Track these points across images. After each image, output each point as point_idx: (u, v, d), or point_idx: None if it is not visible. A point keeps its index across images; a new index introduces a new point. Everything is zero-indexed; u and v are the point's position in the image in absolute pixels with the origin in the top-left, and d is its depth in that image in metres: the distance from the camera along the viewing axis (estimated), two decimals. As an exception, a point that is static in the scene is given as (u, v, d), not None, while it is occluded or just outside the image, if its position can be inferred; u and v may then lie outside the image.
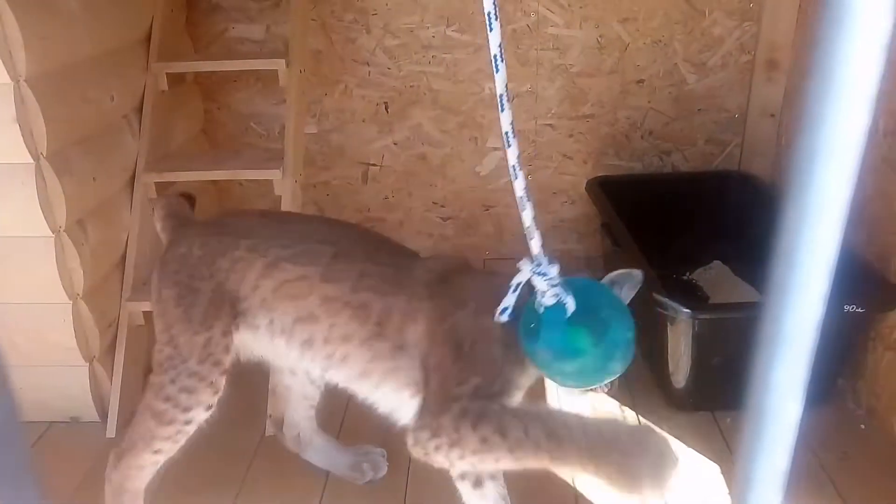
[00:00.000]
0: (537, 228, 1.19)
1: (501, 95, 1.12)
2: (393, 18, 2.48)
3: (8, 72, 1.56)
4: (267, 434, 1.88)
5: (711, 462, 1.73)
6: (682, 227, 2.47)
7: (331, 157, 2.69)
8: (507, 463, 1.16)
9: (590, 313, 1.21)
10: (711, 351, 1.82)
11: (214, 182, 2.60)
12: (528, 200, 1.16)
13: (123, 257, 2.01)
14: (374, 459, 1.75)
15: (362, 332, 1.31)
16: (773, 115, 2.52)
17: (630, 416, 1.91)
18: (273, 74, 2.13)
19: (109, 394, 1.93)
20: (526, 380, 1.31)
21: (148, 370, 2.10)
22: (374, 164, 2.69)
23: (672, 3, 2.43)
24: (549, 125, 2.61)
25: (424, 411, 1.24)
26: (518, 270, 1.23)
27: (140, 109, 2.10)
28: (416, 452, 1.22)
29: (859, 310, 1.73)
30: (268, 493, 1.70)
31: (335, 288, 1.32)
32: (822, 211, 0.27)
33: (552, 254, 1.25)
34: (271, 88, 2.52)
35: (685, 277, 2.48)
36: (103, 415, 1.93)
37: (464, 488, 1.38)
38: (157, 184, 2.07)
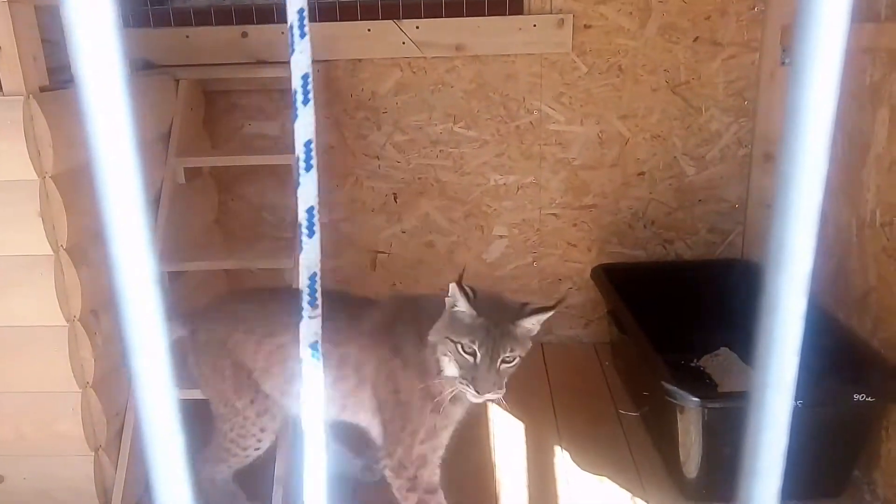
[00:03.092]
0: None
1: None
2: (402, 116, 2.59)
3: (35, 169, 1.64)
4: (271, 528, 1.84)
5: (727, 558, 1.69)
6: (688, 315, 2.49)
7: (341, 246, 2.75)
8: None
9: None
10: (722, 440, 1.80)
11: (227, 270, 2.65)
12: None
13: (134, 346, 2.02)
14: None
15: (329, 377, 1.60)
16: (770, 206, 2.58)
17: (642, 508, 1.87)
18: (286, 168, 2.22)
19: (113, 484, 1.90)
20: (449, 422, 1.60)
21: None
22: (382, 252, 2.75)
23: (669, 101, 2.54)
24: (553, 214, 2.67)
25: (385, 452, 1.65)
26: None
27: (157, 201, 2.18)
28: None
29: (869, 399, 1.72)
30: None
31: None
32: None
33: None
34: (284, 181, 2.61)
35: (693, 364, 2.47)
36: (106, 506, 1.90)
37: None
38: (169, 273, 2.11)
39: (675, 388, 1.76)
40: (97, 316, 1.85)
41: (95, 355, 1.81)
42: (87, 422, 1.83)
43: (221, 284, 2.70)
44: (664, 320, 2.26)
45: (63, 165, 1.71)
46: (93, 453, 1.87)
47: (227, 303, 1.97)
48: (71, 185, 1.73)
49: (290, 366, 1.64)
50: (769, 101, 2.49)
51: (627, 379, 2.45)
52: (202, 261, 2.16)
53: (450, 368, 1.48)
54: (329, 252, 2.75)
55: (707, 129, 2.57)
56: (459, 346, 1.45)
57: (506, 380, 1.48)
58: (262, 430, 1.79)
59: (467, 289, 1.49)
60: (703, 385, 2.32)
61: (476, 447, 2.14)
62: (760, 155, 2.55)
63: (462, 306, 1.47)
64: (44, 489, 1.88)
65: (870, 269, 1.95)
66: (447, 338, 1.47)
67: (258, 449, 1.82)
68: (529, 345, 1.51)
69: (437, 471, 1.64)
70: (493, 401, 1.51)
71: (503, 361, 1.45)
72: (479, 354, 1.44)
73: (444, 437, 1.61)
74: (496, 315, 1.47)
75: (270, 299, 1.82)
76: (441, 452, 1.63)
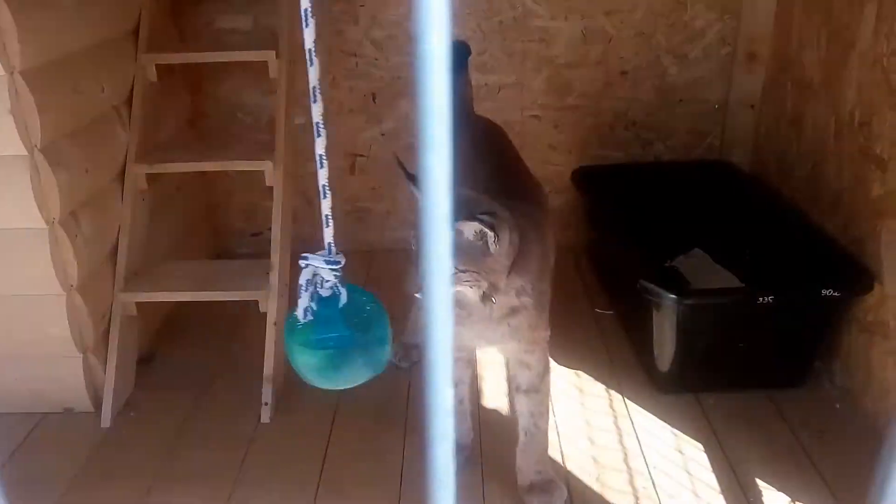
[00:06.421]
0: (332, 218, 1.22)
1: (315, 88, 1.14)
2: (380, 10, 2.49)
3: (2, 64, 1.56)
4: (262, 421, 1.91)
5: (695, 441, 1.80)
6: (664, 216, 2.53)
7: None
8: None
9: (356, 310, 1.25)
10: (694, 335, 1.88)
11: (202, 172, 2.60)
12: (328, 191, 1.19)
13: (115, 248, 2.02)
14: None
15: None
16: (752, 106, 2.58)
17: (616, 398, 1.97)
18: (260, 65, 2.14)
19: (103, 384, 1.94)
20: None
21: (140, 360, 2.13)
22: (361, 155, 2.71)
23: (655, -4, 2.48)
24: (535, 116, 2.65)
25: None
26: (303, 266, 1.23)
27: (129, 101, 2.11)
28: None
29: (836, 294, 1.80)
30: (265, 479, 1.73)
31: None
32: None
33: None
34: (258, 79, 2.53)
35: (667, 264, 2.54)
36: (97, 405, 1.94)
37: None
38: (147, 175, 2.08)
39: (652, 286, 1.82)
40: (77, 218, 1.82)
41: (77, 257, 1.80)
42: (74, 324, 1.85)
43: (198, 190, 2.66)
44: (641, 221, 2.30)
45: (33, 60, 1.64)
46: (81, 354, 1.90)
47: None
48: (42, 80, 1.67)
49: None
50: (755, -3, 2.44)
51: (604, 279, 2.52)
52: (179, 162, 2.12)
53: None
54: (307, 155, 2.70)
55: (692, 27, 2.52)
56: (411, 238, 1.31)
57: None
58: None
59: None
60: (675, 283, 2.39)
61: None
62: (743, 54, 2.52)
63: (415, 193, 1.30)
64: (37, 390, 1.92)
65: (844, 170, 1.99)
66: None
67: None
68: (493, 264, 1.31)
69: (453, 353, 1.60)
70: None
71: None
72: (414, 251, 1.29)
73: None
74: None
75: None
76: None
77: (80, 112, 1.86)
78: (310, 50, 1.12)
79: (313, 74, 1.14)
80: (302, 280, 1.24)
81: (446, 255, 0.32)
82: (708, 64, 2.57)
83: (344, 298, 1.24)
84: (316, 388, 2.00)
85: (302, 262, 1.24)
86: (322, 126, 1.17)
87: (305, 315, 1.25)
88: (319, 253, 1.23)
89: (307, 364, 1.28)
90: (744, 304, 1.86)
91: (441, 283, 0.33)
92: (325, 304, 1.24)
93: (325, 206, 1.22)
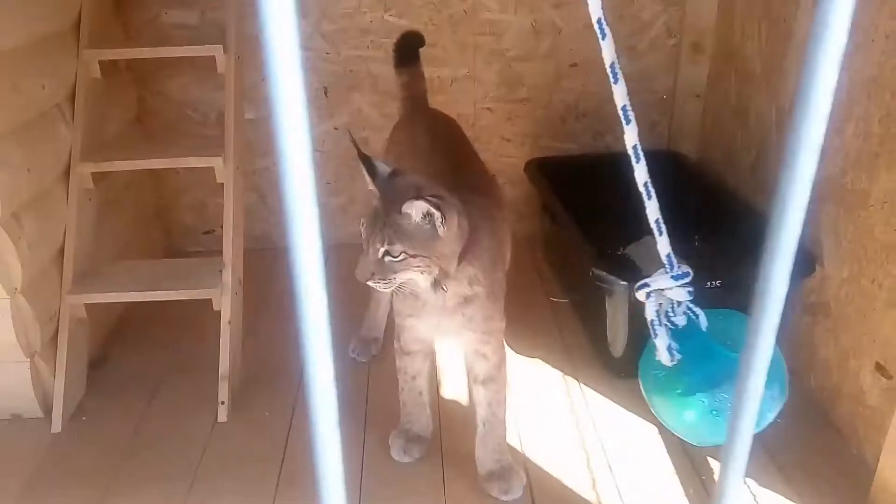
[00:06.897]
0: (664, 224, 0.94)
1: (613, 64, 0.96)
2: (330, 4, 2.47)
3: (-66, 61, 1.51)
4: (219, 420, 1.89)
5: (649, 423, 1.84)
6: (615, 205, 2.57)
7: (270, 143, 2.66)
8: None
9: (720, 328, 0.99)
10: (646, 321, 1.92)
11: (150, 170, 2.55)
12: (652, 191, 0.98)
13: (62, 250, 1.96)
14: None
15: None
16: (698, 96, 2.64)
17: (572, 384, 2.00)
18: (208, 60, 2.11)
19: (52, 389, 1.89)
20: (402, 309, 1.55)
21: (91, 363, 2.08)
22: (315, 150, 2.69)
23: (602, -11, 2.51)
24: (488, 109, 2.66)
25: None
26: (646, 297, 0.96)
27: (72, 98, 2.05)
28: None
29: (779, 277, 1.86)
30: (223, 479, 1.71)
31: None
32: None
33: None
34: (207, 75, 2.48)
35: (619, 252, 2.58)
36: (47, 410, 1.89)
37: None
38: (93, 174, 2.03)
39: (604, 274, 1.85)
40: (19, 219, 1.77)
41: (21, 260, 1.75)
42: (20, 328, 1.79)
43: (147, 189, 2.61)
44: (593, 211, 2.34)
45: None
46: (28, 359, 1.84)
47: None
48: (-25, 79, 1.61)
49: None
50: (699, -11, 2.49)
51: (558, 268, 2.55)
52: (126, 160, 2.07)
53: None
54: (258, 150, 2.67)
55: (638, 19, 2.57)
56: (361, 224, 1.35)
57: (396, 275, 1.32)
58: None
59: (376, 163, 1.33)
60: (628, 270, 2.44)
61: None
62: (689, 45, 2.58)
63: (368, 182, 1.33)
64: (-20, 396, 1.86)
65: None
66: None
67: None
68: (442, 248, 1.32)
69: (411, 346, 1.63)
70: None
71: (387, 254, 1.30)
72: (363, 237, 1.33)
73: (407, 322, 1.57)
74: (397, 201, 1.29)
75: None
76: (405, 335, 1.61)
77: (21, 110, 1.80)
78: (599, 20, 0.95)
79: (608, 50, 0.95)
80: (650, 314, 0.99)
81: (314, 227, 0.30)
82: (655, 55, 2.62)
83: (704, 319, 1.01)
84: (272, 385, 2.01)
85: (642, 294, 0.96)
86: (630, 110, 0.97)
87: (672, 355, 0.99)
88: (660, 272, 0.95)
89: (700, 414, 0.97)
90: (693, 289, 1.90)
91: (311, 259, 0.31)
92: (685, 335, 0.95)
93: (652, 209, 0.96)
